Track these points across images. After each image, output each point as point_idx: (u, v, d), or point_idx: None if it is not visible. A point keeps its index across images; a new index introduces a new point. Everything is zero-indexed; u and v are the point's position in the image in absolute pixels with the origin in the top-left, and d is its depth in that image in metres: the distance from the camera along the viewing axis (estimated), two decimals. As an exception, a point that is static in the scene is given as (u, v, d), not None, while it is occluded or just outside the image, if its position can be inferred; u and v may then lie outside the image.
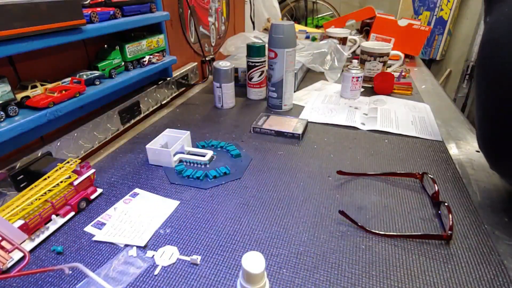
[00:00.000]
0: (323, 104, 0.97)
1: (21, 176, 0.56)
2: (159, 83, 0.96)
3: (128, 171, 0.66)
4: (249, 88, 1.02)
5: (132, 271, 0.43)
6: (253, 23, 1.68)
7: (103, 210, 0.55)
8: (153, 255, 0.46)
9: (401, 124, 0.83)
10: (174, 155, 0.67)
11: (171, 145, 0.70)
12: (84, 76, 0.67)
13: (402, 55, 1.14)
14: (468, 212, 0.54)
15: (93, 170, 0.57)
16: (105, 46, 0.76)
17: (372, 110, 0.91)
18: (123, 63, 0.78)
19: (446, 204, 0.52)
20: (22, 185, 0.56)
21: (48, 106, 0.57)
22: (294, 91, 1.04)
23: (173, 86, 1.04)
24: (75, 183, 0.54)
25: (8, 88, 0.53)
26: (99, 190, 0.59)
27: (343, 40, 1.37)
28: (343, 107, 0.94)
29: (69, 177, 0.54)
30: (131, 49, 0.79)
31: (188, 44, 1.15)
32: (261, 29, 1.66)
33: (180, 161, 0.69)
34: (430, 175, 0.59)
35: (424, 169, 0.65)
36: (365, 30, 1.59)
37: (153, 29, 0.88)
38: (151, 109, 0.93)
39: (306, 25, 2.21)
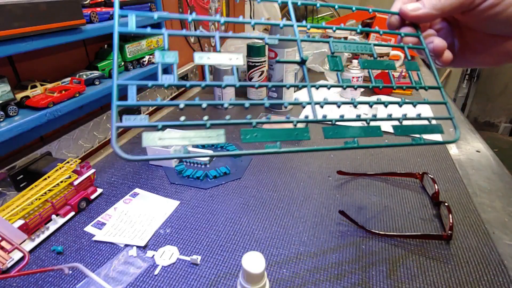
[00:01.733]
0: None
1: (21, 176, 0.56)
2: (159, 83, 0.96)
3: (128, 171, 0.66)
4: (249, 88, 1.02)
5: (132, 271, 0.43)
6: (253, 23, 1.67)
7: (103, 210, 0.55)
8: (153, 255, 0.46)
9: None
10: (174, 155, 0.67)
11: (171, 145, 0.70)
12: (84, 76, 0.67)
13: (402, 55, 1.14)
14: (468, 212, 0.54)
15: (93, 170, 0.57)
16: (105, 46, 0.76)
17: (372, 110, 0.91)
18: (123, 63, 0.78)
19: (446, 204, 0.52)
20: (21, 185, 0.56)
21: (47, 106, 0.57)
22: (294, 91, 1.04)
23: (173, 86, 1.04)
24: (75, 183, 0.54)
25: (8, 88, 0.53)
26: (99, 190, 0.59)
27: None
28: (343, 107, 0.94)
29: (69, 177, 0.53)
30: (131, 49, 0.79)
31: (188, 44, 1.15)
32: (261, 29, 1.66)
33: (180, 161, 0.69)
34: (430, 175, 0.59)
35: (424, 169, 0.65)
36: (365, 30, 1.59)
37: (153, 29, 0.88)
38: (151, 109, 0.93)
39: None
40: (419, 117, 0.32)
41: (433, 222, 0.52)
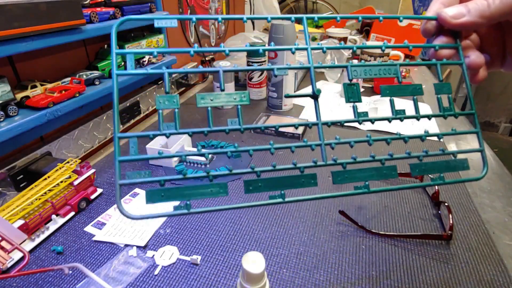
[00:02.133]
0: (323, 104, 0.97)
1: (21, 176, 0.56)
2: (159, 83, 0.96)
3: (129, 171, 0.66)
4: (249, 88, 1.02)
5: (132, 271, 0.43)
6: (253, 23, 1.68)
7: (103, 210, 0.55)
8: (153, 255, 0.46)
9: (401, 124, 0.83)
10: (174, 155, 0.67)
11: (171, 145, 0.70)
12: (84, 76, 0.67)
13: (402, 55, 1.14)
14: (468, 212, 0.54)
15: (93, 170, 0.57)
16: (105, 46, 0.76)
17: (372, 110, 0.91)
18: (122, 63, 0.78)
19: (446, 204, 0.52)
20: (21, 185, 0.56)
21: (47, 106, 0.57)
22: (294, 91, 1.04)
23: (173, 86, 1.04)
24: (75, 183, 0.54)
25: (7, 88, 0.53)
26: (99, 190, 0.59)
27: (343, 40, 1.37)
28: (343, 107, 0.94)
29: (69, 177, 0.53)
30: (131, 49, 0.79)
31: (188, 44, 1.15)
32: (261, 29, 1.66)
33: (180, 161, 0.69)
34: (430, 175, 0.59)
35: (424, 169, 0.65)
36: (365, 30, 1.59)
37: (153, 29, 0.88)
38: (151, 109, 0.93)
39: (306, 25, 2.22)
40: (443, 152, 0.28)
41: (433, 222, 0.52)
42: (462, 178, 0.28)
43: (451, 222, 0.48)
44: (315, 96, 0.26)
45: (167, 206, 0.55)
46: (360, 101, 0.27)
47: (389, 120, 0.27)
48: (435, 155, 0.27)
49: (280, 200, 0.25)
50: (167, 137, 0.23)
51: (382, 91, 0.27)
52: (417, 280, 0.42)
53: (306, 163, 0.26)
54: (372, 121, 0.27)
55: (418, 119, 0.27)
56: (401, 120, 0.27)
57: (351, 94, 0.27)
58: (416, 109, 0.28)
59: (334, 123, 0.26)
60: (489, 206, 0.56)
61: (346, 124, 0.27)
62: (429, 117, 0.28)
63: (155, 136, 0.23)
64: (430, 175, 0.28)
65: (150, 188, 0.22)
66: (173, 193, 0.23)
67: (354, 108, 0.27)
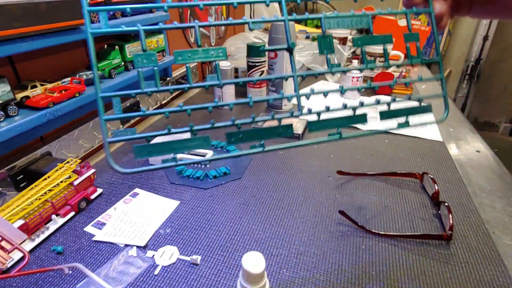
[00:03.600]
0: (323, 104, 0.97)
1: (21, 176, 0.56)
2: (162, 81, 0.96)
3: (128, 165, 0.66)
4: (249, 88, 1.02)
5: (132, 271, 0.43)
6: (253, 23, 1.68)
7: (103, 210, 0.55)
8: (153, 255, 0.46)
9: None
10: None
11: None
12: (84, 76, 0.67)
13: (402, 55, 1.14)
14: (468, 212, 0.54)
15: (93, 170, 0.57)
16: (105, 46, 0.76)
17: (372, 110, 0.91)
18: (123, 63, 0.78)
19: (446, 204, 0.52)
20: (21, 185, 0.56)
21: (47, 106, 0.57)
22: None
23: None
24: (75, 183, 0.54)
25: (8, 88, 0.53)
26: (99, 190, 0.59)
27: (343, 40, 1.37)
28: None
29: (69, 177, 0.53)
30: (131, 49, 0.79)
31: (188, 44, 1.15)
32: (261, 29, 1.66)
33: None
34: (430, 175, 0.59)
35: (424, 169, 0.65)
36: (365, 30, 1.59)
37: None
38: (151, 109, 0.93)
39: (306, 25, 2.22)
40: (409, 99, 0.31)
41: (433, 222, 0.52)
42: (426, 121, 0.32)
43: (451, 222, 0.48)
44: (289, 49, 0.28)
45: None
46: (333, 52, 0.29)
47: (360, 70, 0.31)
48: (402, 101, 0.31)
49: (260, 149, 0.27)
50: (149, 95, 0.24)
51: (354, 42, 0.30)
52: (417, 280, 0.42)
53: (283, 114, 0.28)
54: (345, 71, 0.30)
55: (387, 68, 0.31)
56: (372, 69, 0.32)
57: (325, 45, 0.28)
58: (386, 57, 0.31)
59: (308, 75, 0.30)
60: (489, 206, 0.56)
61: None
62: (398, 66, 0.32)
63: (137, 94, 0.24)
64: (398, 121, 0.32)
65: (138, 144, 0.24)
66: (159, 148, 0.24)
67: (328, 60, 0.29)
